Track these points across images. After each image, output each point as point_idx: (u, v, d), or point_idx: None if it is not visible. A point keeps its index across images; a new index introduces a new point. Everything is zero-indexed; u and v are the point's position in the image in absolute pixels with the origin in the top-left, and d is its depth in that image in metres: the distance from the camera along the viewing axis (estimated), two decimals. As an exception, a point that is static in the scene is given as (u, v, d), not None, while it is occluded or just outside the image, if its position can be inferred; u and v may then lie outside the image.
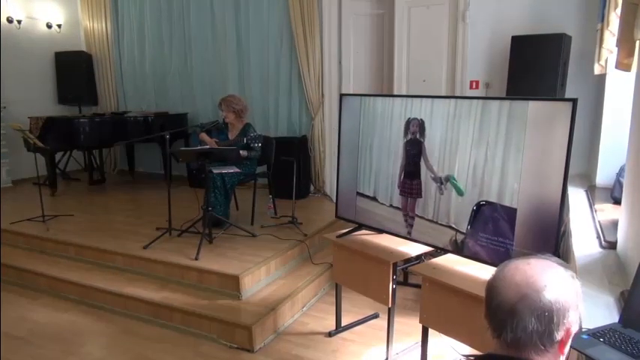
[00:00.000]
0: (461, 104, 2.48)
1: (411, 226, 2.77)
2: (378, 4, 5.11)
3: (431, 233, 2.67)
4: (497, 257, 2.30)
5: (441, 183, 2.59)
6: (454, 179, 2.53)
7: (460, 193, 2.51)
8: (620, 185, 2.71)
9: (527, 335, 0.96)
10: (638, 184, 2.02)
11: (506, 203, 2.27)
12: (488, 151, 2.34)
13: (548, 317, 0.96)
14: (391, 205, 2.91)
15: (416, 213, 2.74)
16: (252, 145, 4.17)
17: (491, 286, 1.03)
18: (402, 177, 2.81)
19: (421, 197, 2.70)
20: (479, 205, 2.39)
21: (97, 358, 2.98)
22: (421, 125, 2.65)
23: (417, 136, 2.67)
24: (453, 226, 2.54)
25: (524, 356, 0.99)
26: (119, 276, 3.74)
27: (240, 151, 4.08)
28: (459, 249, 2.52)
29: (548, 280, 0.98)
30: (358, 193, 3.12)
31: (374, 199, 3.02)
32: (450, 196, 2.55)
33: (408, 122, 2.72)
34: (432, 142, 2.61)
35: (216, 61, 6.08)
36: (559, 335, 0.97)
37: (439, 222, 2.62)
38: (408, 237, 2.82)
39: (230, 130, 4.44)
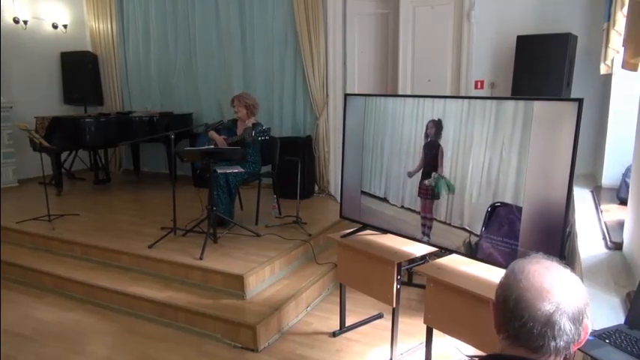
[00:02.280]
0: (468, 104, 2.46)
1: (430, 228, 2.73)
2: (382, 3, 5.10)
3: (444, 235, 2.64)
4: (504, 258, 2.29)
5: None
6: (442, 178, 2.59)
7: (451, 189, 2.56)
8: (626, 185, 2.70)
9: (566, 342, 0.98)
10: (645, 185, 2.01)
11: (513, 203, 2.26)
12: (493, 152, 2.33)
13: (580, 319, 0.98)
14: (402, 207, 2.89)
15: (434, 216, 2.69)
16: (260, 138, 4.15)
17: (519, 299, 0.99)
18: (420, 179, 2.77)
19: (438, 199, 2.65)
20: (493, 207, 2.37)
21: (101, 356, 2.99)
22: (438, 124, 2.62)
23: (435, 139, 2.64)
24: (467, 227, 2.50)
25: (543, 359, 1.00)
26: (124, 275, 3.75)
27: (247, 136, 4.14)
28: (472, 252, 2.49)
29: (573, 284, 1.00)
30: (364, 193, 3.11)
31: (384, 199, 3.00)
32: (462, 197, 2.52)
33: (426, 125, 2.70)
34: (445, 143, 2.59)
35: (221, 61, 6.10)
36: (583, 334, 1.00)
37: (452, 224, 2.59)
38: (415, 238, 2.81)
39: (239, 128, 4.47)
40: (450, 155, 2.56)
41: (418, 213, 2.80)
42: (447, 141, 2.58)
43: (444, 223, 2.64)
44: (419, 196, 2.78)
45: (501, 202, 2.32)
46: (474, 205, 2.46)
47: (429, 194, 2.71)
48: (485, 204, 2.40)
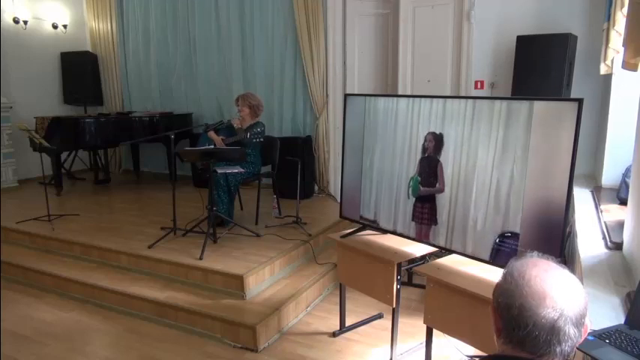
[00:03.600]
0: (470, 106, 2.41)
1: None
2: (382, 4, 5.10)
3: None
4: (504, 259, 2.29)
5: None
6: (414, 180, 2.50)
7: (414, 192, 2.50)
8: (626, 186, 2.70)
9: (571, 347, 0.98)
10: (645, 185, 2.01)
11: (512, 205, 2.23)
12: (502, 167, 2.27)
13: (582, 322, 0.98)
14: (395, 232, 2.78)
15: (433, 243, 2.49)
16: (254, 140, 4.17)
17: (522, 307, 0.98)
18: (415, 200, 2.58)
19: (435, 224, 2.49)
20: (503, 236, 2.19)
21: (101, 357, 2.99)
22: (438, 139, 2.43)
23: (434, 154, 2.46)
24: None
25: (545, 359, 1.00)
26: (124, 275, 3.75)
27: (241, 138, 4.16)
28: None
29: (574, 287, 1.00)
30: (362, 218, 3.07)
31: (374, 222, 2.93)
32: (466, 225, 2.38)
33: (425, 137, 2.51)
34: (445, 157, 2.45)
35: (221, 61, 6.10)
36: (583, 334, 1.00)
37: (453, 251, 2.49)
38: (415, 238, 2.79)
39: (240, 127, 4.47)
40: (451, 172, 2.37)
41: (413, 239, 2.63)
42: (447, 152, 2.42)
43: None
44: (413, 220, 2.63)
45: (512, 232, 2.11)
46: (479, 233, 2.28)
47: (425, 219, 2.54)
48: (492, 232, 2.20)
